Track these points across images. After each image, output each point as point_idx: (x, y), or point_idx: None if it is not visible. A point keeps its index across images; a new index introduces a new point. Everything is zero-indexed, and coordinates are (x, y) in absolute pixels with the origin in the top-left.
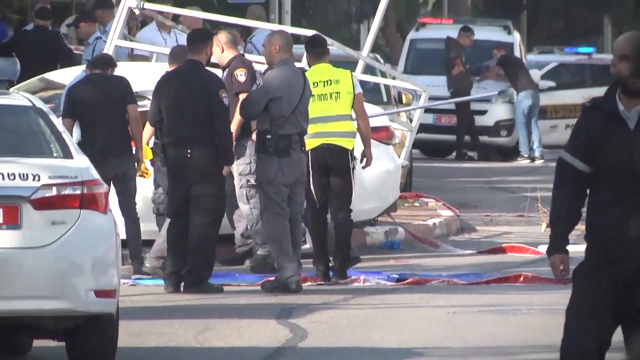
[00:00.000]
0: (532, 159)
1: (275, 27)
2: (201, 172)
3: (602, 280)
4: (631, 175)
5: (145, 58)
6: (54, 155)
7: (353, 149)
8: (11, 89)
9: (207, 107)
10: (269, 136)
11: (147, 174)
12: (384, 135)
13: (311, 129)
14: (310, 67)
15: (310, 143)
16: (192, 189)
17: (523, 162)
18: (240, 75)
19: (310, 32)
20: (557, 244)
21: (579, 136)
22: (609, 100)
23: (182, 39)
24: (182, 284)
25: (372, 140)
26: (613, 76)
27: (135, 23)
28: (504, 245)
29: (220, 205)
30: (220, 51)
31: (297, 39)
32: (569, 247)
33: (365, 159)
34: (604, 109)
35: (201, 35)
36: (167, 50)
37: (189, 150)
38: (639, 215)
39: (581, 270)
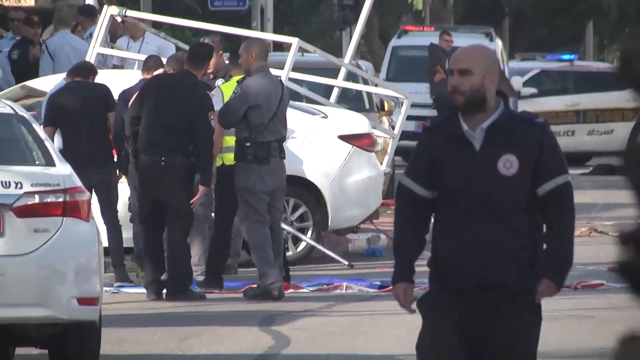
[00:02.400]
0: None
1: (256, 34)
2: (172, 181)
3: (450, 314)
4: (475, 200)
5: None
6: (37, 162)
7: None
8: None
9: (190, 120)
10: (248, 144)
11: None
12: (367, 142)
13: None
14: (231, 77)
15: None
16: (164, 197)
17: None
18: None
19: (291, 40)
20: (400, 273)
21: (419, 159)
22: (451, 119)
23: (148, 49)
24: (164, 291)
25: (354, 148)
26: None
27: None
28: None
29: (190, 213)
30: None
31: (279, 46)
32: None
33: None
34: (446, 129)
35: (205, 51)
36: (141, 57)
37: (163, 158)
38: (482, 244)
39: (427, 302)
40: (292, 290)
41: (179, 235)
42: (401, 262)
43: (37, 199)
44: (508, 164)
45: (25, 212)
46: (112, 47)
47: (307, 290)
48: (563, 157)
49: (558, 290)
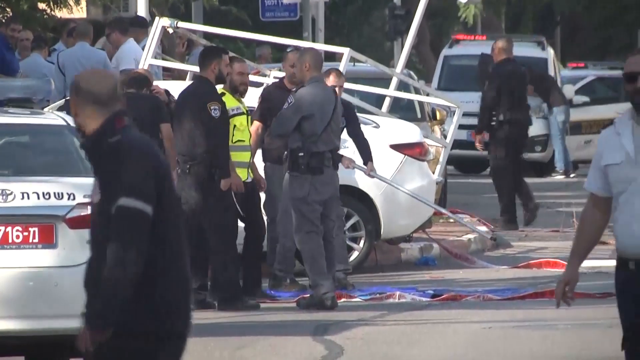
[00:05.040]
0: (567, 174)
1: (308, 44)
2: (197, 188)
3: None
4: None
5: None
6: (89, 174)
7: None
8: (45, 109)
9: (197, 121)
10: (301, 154)
11: None
12: (418, 151)
13: (246, 157)
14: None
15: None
16: (189, 207)
17: (557, 177)
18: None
19: (343, 50)
20: None
21: None
22: None
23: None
24: (216, 302)
25: (407, 157)
26: None
27: (181, 41)
28: (539, 260)
29: (222, 219)
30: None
31: (331, 56)
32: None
33: None
34: None
35: (208, 52)
36: (191, 68)
37: (187, 166)
38: (87, 277)
39: None
40: (345, 299)
41: (214, 244)
42: None
43: (89, 210)
44: (95, 191)
45: (78, 223)
46: (163, 59)
47: (360, 300)
48: (127, 175)
49: (99, 336)
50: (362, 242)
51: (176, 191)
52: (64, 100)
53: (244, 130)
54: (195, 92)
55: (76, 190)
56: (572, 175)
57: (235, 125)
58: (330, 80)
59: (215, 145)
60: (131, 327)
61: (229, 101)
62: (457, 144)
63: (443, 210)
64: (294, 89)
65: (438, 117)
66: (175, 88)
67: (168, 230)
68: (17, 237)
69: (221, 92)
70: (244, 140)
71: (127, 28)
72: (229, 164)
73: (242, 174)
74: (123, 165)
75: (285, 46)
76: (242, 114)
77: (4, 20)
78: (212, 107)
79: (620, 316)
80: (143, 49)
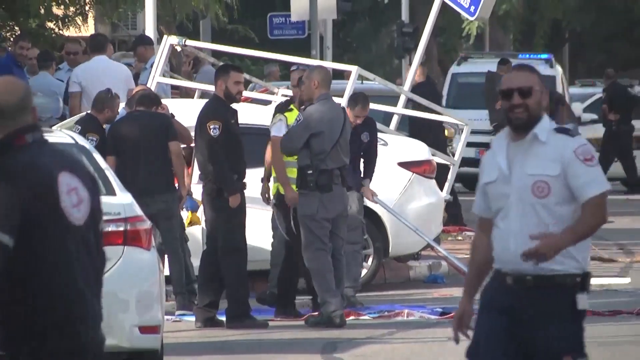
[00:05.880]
0: None
1: (316, 62)
2: (211, 206)
3: None
4: None
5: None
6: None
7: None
8: (54, 127)
9: (202, 140)
10: (310, 171)
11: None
12: (426, 169)
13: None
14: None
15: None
16: (212, 222)
17: None
18: None
19: (351, 68)
20: None
21: None
22: None
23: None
24: (225, 319)
25: (415, 175)
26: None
27: (187, 59)
28: None
29: (231, 238)
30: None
31: (339, 74)
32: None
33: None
34: None
35: (217, 70)
36: (199, 86)
37: (203, 184)
38: None
39: None
40: (353, 317)
41: (223, 261)
42: None
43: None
44: None
45: None
46: (172, 77)
47: (368, 318)
48: None
49: None
50: (370, 259)
51: (68, 214)
52: (84, 113)
53: None
54: (202, 110)
55: None
56: None
57: None
58: (356, 111)
59: (213, 163)
60: (12, 349)
61: (293, 116)
62: (465, 161)
63: (434, 244)
64: (302, 107)
65: (446, 134)
66: (183, 106)
67: (44, 255)
68: None
69: (290, 108)
70: None
71: (93, 47)
72: (231, 181)
73: None
74: None
75: (293, 64)
76: None
77: (12, 39)
78: (211, 126)
79: (480, 325)
80: (151, 66)
